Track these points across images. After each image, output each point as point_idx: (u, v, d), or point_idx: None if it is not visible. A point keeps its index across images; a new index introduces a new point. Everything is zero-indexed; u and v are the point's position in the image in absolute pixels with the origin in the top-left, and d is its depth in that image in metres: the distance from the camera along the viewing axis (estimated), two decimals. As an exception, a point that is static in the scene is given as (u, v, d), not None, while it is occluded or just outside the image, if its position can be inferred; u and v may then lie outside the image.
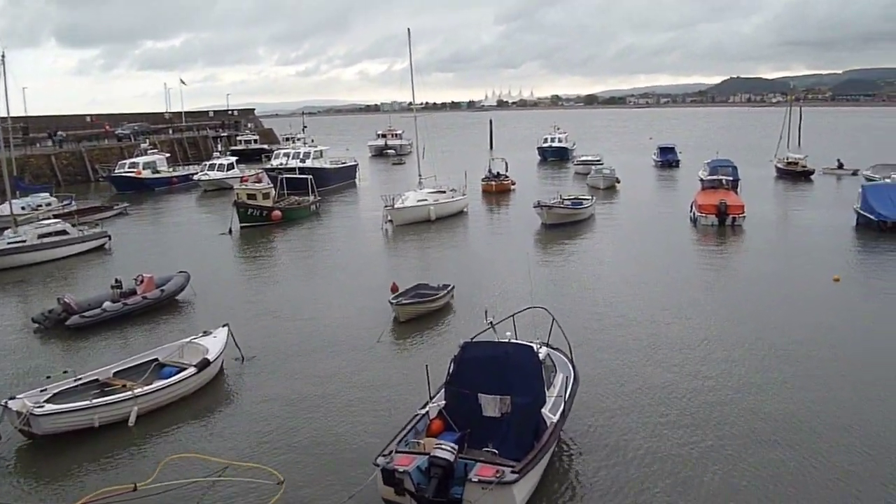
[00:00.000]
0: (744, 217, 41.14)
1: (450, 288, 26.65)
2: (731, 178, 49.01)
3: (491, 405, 14.33)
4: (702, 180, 51.43)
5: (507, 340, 15.42)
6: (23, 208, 47.10)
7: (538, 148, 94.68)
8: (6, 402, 16.47)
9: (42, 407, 16.51)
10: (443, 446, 12.57)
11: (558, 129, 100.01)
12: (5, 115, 54.42)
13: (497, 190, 58.74)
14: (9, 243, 36.11)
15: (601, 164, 68.71)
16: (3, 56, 40.88)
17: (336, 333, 23.65)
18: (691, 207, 44.44)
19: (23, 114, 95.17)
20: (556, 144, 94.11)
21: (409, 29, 50.87)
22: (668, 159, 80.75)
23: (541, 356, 15.07)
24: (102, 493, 13.57)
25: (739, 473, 13.97)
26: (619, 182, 61.32)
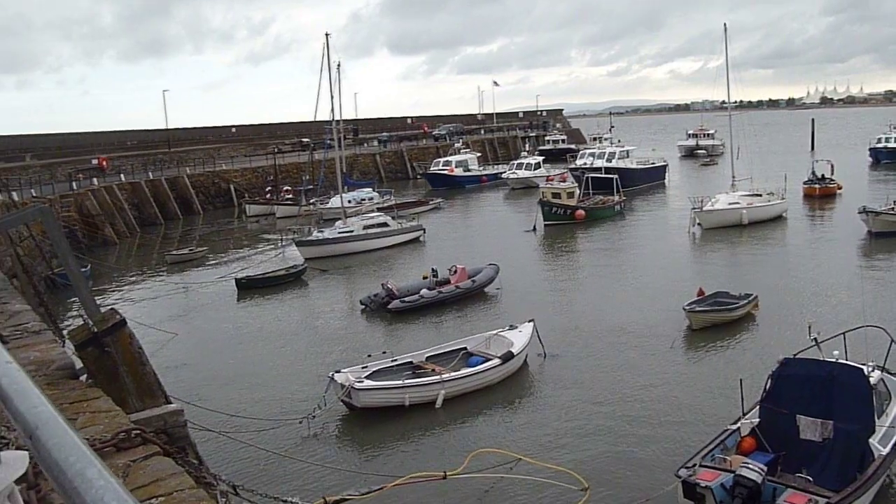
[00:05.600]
0: None
1: (752, 298, 24.82)
2: None
3: (810, 428, 13.13)
4: None
5: (833, 360, 14.03)
6: (349, 202, 51.59)
7: (870, 149, 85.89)
8: (332, 375, 18.17)
9: (362, 382, 17.96)
10: (750, 466, 11.76)
11: (895, 127, 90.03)
12: (339, 119, 60.01)
13: (820, 194, 54.05)
14: (339, 233, 39.84)
15: None
16: (338, 65, 44.85)
17: (633, 336, 23.13)
18: None
19: (354, 117, 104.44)
20: (891, 145, 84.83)
21: (724, 24, 48.51)
22: None
23: (872, 380, 13.51)
24: (414, 477, 14.19)
25: None
26: None
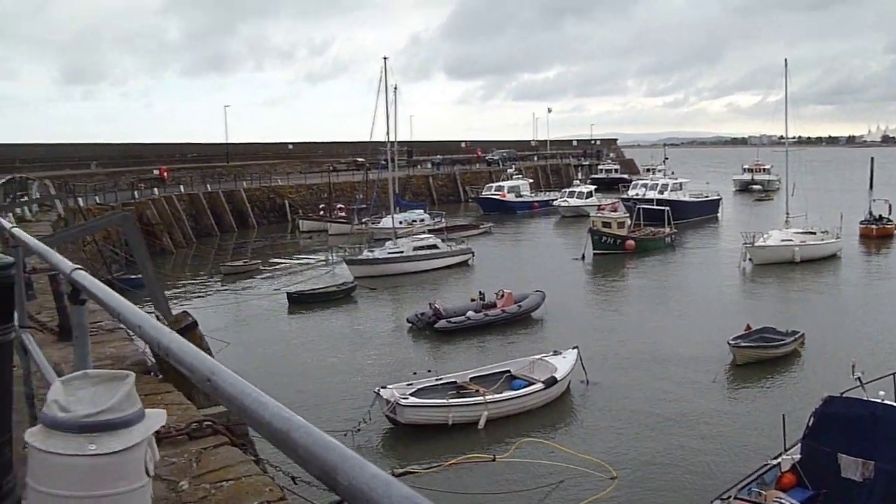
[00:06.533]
0: None
1: (798, 335, 24.67)
2: None
3: (851, 468, 13.14)
4: None
5: (878, 400, 14.02)
6: (401, 223, 52.20)
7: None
8: (378, 390, 18.62)
9: (407, 399, 18.38)
10: (784, 502, 11.84)
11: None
12: (394, 140, 60.96)
13: (878, 234, 53.14)
14: (389, 253, 40.45)
15: None
16: (395, 88, 45.89)
17: (676, 367, 23.18)
18: None
19: (409, 138, 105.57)
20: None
21: (785, 60, 48.42)
22: None
23: (917, 422, 13.47)
24: (466, 459, 15.94)
25: None
26: None
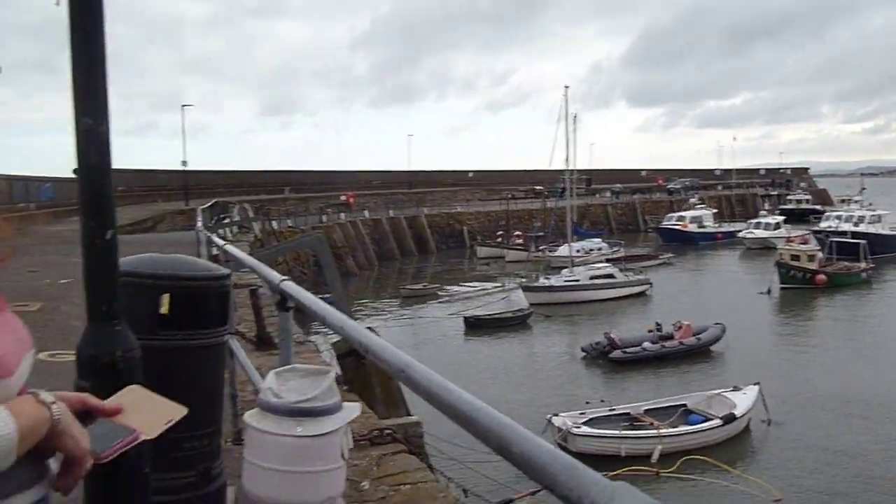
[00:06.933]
0: None
1: None
2: None
3: None
4: None
5: None
6: (578, 251, 51.98)
7: None
8: (550, 417, 18.69)
9: (580, 427, 18.34)
10: None
11: None
12: (573, 168, 60.97)
13: None
14: (566, 281, 40.44)
15: None
16: (574, 117, 46.08)
17: (866, 413, 21.56)
18: None
19: (588, 167, 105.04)
20: None
21: None
22: None
23: None
24: (629, 470, 16.07)
25: None
26: None
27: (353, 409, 2.53)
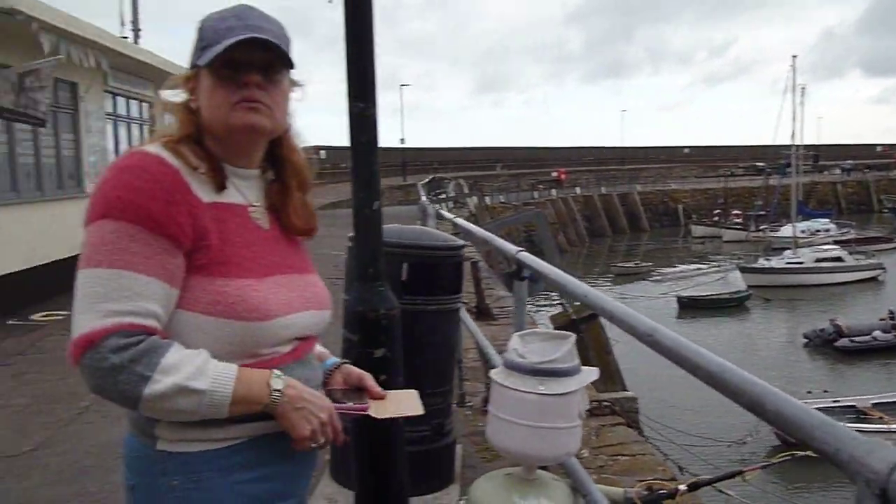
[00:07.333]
0: None
1: None
2: None
3: None
4: None
5: None
6: (802, 232, 49.07)
7: None
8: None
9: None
10: None
11: None
12: (799, 143, 57.36)
13: None
14: (788, 263, 38.37)
15: None
16: (803, 89, 43.24)
17: None
18: None
19: (815, 142, 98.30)
20: None
21: None
22: None
23: None
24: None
25: None
26: None
27: (591, 372, 2.70)
